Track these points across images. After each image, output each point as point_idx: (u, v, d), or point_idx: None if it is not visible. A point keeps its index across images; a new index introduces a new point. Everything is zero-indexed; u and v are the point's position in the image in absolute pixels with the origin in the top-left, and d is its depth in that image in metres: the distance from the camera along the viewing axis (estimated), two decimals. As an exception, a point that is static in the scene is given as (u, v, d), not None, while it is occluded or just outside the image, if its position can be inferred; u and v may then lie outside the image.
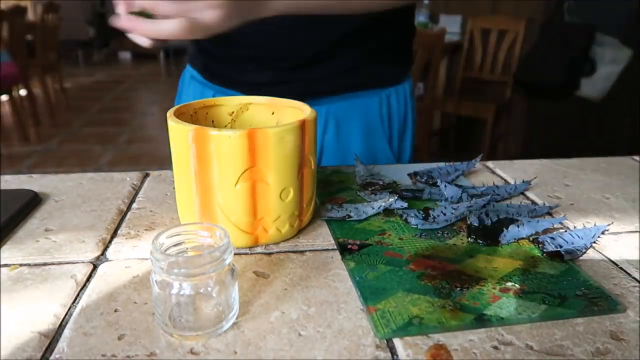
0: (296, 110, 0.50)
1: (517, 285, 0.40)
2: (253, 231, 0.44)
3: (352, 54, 0.69)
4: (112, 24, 0.49)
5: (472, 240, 0.46)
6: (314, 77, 0.70)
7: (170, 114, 0.45)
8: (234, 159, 0.41)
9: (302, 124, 0.43)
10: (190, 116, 0.49)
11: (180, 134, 0.42)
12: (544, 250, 0.45)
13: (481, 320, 0.35)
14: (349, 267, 0.42)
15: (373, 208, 0.51)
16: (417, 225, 0.49)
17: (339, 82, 0.70)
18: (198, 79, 0.78)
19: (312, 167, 0.46)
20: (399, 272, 0.41)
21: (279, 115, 0.52)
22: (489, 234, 0.46)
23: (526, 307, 0.37)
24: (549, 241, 0.46)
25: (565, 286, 0.40)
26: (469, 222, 0.49)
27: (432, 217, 0.49)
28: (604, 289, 0.39)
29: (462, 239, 0.47)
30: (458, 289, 0.39)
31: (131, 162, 3.11)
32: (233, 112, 0.53)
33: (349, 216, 0.50)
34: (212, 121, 0.52)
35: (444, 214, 0.50)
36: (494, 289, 0.39)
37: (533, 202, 0.56)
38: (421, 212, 0.50)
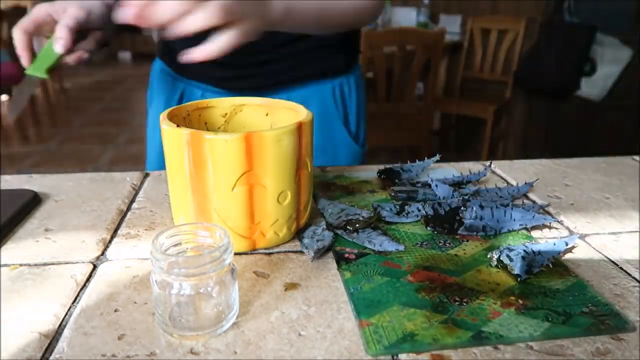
0: (290, 111, 0.49)
1: (519, 300, 0.38)
2: (250, 235, 0.43)
3: (304, 48, 0.76)
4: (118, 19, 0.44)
5: (431, 229, 0.48)
6: (272, 71, 0.77)
7: (163, 116, 0.44)
8: (231, 163, 0.40)
9: (299, 127, 0.42)
10: (183, 118, 0.48)
11: (174, 138, 0.41)
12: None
13: (479, 338, 0.34)
14: (344, 277, 0.40)
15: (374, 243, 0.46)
16: (385, 217, 0.49)
17: (293, 74, 0.78)
18: (168, 71, 0.84)
19: (309, 169, 0.46)
20: (396, 284, 0.39)
21: (273, 117, 0.52)
22: (445, 222, 0.48)
23: (528, 325, 0.35)
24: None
25: (571, 302, 0.38)
26: (424, 212, 0.49)
27: (406, 211, 0.50)
28: (613, 305, 0.38)
29: (464, 249, 0.45)
30: (457, 303, 0.37)
31: (131, 162, 3.10)
32: (226, 114, 0.52)
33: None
34: (205, 123, 0.51)
35: (419, 210, 0.50)
36: (495, 303, 0.37)
37: (509, 190, 0.56)
38: (397, 207, 0.51)
